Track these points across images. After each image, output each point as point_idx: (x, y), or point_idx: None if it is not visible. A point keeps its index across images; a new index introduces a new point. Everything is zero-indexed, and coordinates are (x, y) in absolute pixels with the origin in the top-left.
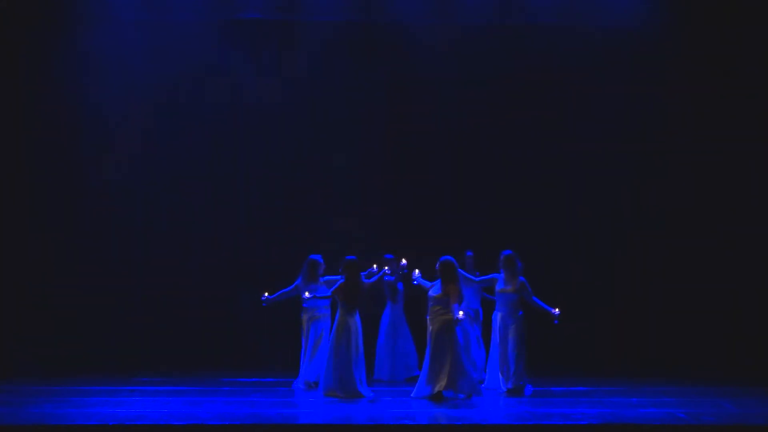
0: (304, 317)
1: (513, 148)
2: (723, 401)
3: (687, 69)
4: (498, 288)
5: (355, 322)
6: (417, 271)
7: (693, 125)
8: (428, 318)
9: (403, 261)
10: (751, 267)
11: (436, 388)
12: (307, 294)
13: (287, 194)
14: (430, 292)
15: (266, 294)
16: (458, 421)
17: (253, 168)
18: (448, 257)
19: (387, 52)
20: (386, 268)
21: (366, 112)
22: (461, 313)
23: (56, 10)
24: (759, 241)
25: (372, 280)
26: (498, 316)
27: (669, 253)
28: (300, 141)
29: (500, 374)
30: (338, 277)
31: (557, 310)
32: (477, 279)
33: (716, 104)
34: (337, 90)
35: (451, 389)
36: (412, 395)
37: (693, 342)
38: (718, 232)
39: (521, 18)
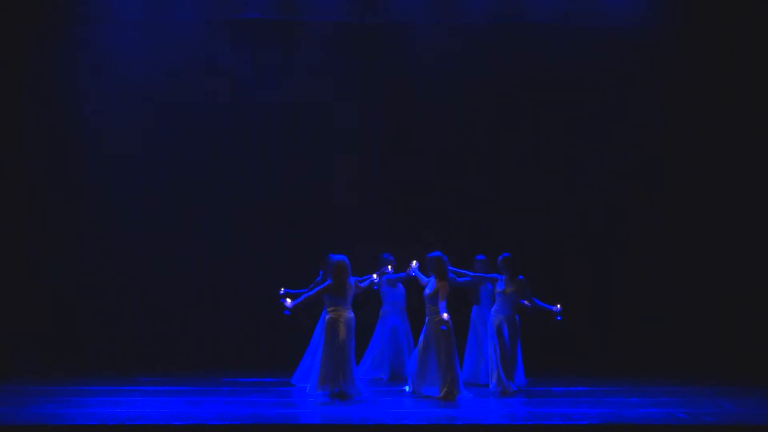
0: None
1: (513, 147)
2: (723, 401)
3: (687, 68)
4: (424, 292)
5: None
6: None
7: (693, 124)
8: None
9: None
10: (751, 266)
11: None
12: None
13: (287, 194)
14: None
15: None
16: (458, 421)
17: (253, 168)
18: (340, 257)
19: (387, 51)
20: (388, 266)
21: (366, 111)
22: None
23: (56, 10)
24: (759, 241)
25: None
26: (426, 320)
27: (669, 252)
28: (300, 140)
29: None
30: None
31: (446, 315)
32: (424, 281)
33: (716, 103)
34: (337, 89)
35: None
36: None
37: (693, 342)
38: (718, 231)
39: (521, 18)
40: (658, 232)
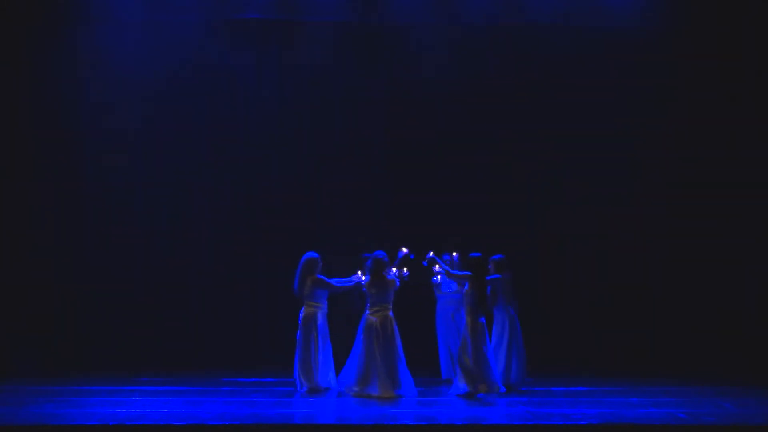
0: None
1: (513, 146)
2: (723, 401)
3: (687, 68)
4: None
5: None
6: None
7: (694, 124)
8: None
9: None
10: (751, 266)
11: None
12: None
13: (288, 193)
14: None
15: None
16: (458, 421)
17: (253, 167)
18: (312, 253)
19: (387, 51)
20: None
21: (366, 111)
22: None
23: (56, 10)
24: (759, 241)
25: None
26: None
27: (669, 252)
28: (300, 140)
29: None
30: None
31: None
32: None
33: (717, 103)
34: (337, 89)
35: None
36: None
37: (693, 342)
38: (718, 231)
39: (521, 18)
40: (659, 232)
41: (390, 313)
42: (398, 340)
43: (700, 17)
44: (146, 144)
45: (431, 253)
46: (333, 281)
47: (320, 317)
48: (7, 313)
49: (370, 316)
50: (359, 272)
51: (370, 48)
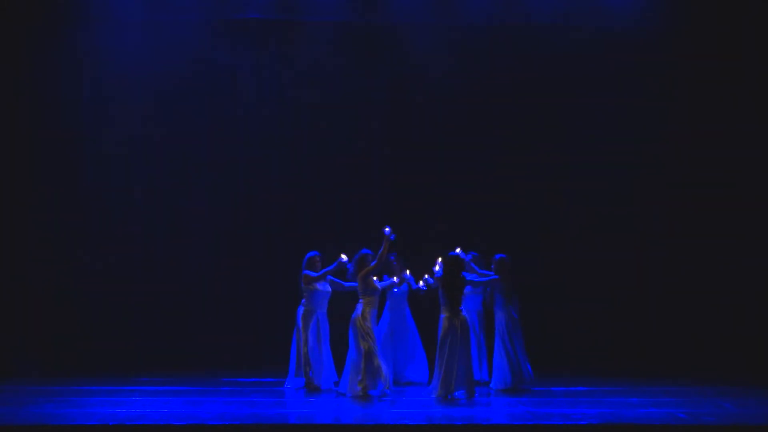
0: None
1: (513, 146)
2: (723, 401)
3: (687, 68)
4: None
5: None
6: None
7: (694, 124)
8: None
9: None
10: (751, 266)
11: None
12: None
13: (288, 193)
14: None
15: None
16: (458, 421)
17: (253, 167)
18: (312, 253)
19: (387, 51)
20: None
21: (366, 112)
22: None
23: (56, 11)
24: (759, 241)
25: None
26: None
27: (669, 252)
28: (300, 141)
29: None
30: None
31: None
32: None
33: (717, 104)
34: (337, 90)
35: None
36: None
37: (693, 342)
38: (718, 231)
39: (521, 18)
40: (659, 232)
41: (372, 309)
42: (378, 337)
43: (700, 17)
44: (146, 144)
45: (426, 276)
46: (312, 273)
47: (316, 317)
48: (7, 313)
49: (356, 311)
50: (342, 255)
51: (370, 48)
